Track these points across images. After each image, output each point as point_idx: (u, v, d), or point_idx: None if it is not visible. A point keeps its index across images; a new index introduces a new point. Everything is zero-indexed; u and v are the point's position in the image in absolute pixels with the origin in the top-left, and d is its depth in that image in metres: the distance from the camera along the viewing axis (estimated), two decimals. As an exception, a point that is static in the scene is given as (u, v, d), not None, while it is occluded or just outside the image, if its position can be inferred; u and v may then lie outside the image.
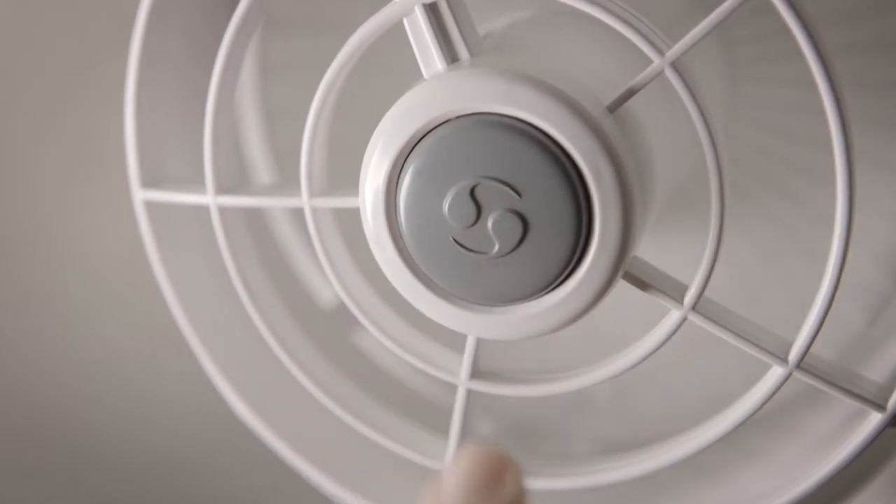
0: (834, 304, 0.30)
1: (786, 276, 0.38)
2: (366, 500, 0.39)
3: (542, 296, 0.30)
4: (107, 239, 0.52)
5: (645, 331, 0.32)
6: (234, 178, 0.36)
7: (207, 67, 0.34)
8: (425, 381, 0.42)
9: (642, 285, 0.31)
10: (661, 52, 0.28)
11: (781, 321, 0.32)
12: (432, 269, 0.30)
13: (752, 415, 0.32)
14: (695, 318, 0.31)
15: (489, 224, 0.29)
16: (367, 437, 0.37)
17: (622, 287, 0.30)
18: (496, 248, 0.29)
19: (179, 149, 0.39)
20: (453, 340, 0.33)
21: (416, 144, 0.29)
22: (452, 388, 0.34)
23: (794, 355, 0.31)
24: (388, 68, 0.34)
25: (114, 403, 0.55)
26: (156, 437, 0.55)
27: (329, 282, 0.36)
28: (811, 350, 0.31)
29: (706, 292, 0.30)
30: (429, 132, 0.29)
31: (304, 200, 0.33)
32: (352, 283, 0.34)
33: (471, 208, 0.29)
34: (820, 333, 0.31)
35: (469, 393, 0.34)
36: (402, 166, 0.30)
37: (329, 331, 0.41)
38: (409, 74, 0.31)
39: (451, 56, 0.30)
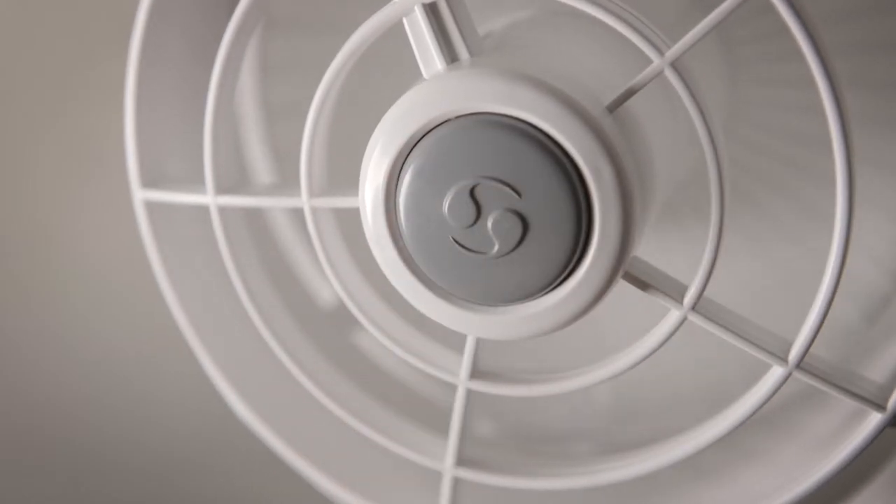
0: (834, 304, 0.30)
1: (786, 276, 0.38)
2: (366, 500, 0.39)
3: (541, 296, 0.30)
4: (107, 239, 0.52)
5: (645, 331, 0.32)
6: (234, 178, 0.36)
7: (207, 67, 0.34)
8: (425, 381, 0.42)
9: (642, 285, 0.31)
10: (660, 52, 0.28)
11: (781, 321, 0.32)
12: (432, 269, 0.30)
13: (752, 415, 0.32)
14: (695, 318, 0.31)
15: (489, 224, 0.29)
16: (367, 437, 0.37)
17: (622, 287, 0.30)
18: (496, 248, 0.29)
19: (179, 149, 0.39)
20: (453, 340, 0.33)
21: (415, 144, 0.29)
22: (452, 388, 0.34)
23: (794, 355, 0.31)
24: (388, 68, 0.34)
25: (114, 403, 0.55)
26: (156, 437, 0.55)
27: (329, 282, 0.36)
28: (811, 350, 0.31)
29: (706, 292, 0.30)
30: (429, 132, 0.29)
31: (303, 200, 0.33)
32: (352, 283, 0.34)
33: (471, 208, 0.29)
34: (820, 333, 0.31)
35: (469, 393, 0.34)
36: (402, 166, 0.30)
37: (329, 331, 0.41)
38: (409, 74, 0.31)
39: (450, 56, 0.30)
